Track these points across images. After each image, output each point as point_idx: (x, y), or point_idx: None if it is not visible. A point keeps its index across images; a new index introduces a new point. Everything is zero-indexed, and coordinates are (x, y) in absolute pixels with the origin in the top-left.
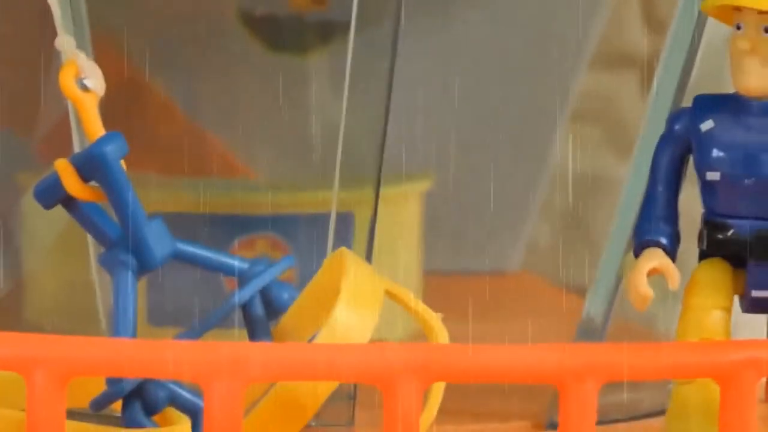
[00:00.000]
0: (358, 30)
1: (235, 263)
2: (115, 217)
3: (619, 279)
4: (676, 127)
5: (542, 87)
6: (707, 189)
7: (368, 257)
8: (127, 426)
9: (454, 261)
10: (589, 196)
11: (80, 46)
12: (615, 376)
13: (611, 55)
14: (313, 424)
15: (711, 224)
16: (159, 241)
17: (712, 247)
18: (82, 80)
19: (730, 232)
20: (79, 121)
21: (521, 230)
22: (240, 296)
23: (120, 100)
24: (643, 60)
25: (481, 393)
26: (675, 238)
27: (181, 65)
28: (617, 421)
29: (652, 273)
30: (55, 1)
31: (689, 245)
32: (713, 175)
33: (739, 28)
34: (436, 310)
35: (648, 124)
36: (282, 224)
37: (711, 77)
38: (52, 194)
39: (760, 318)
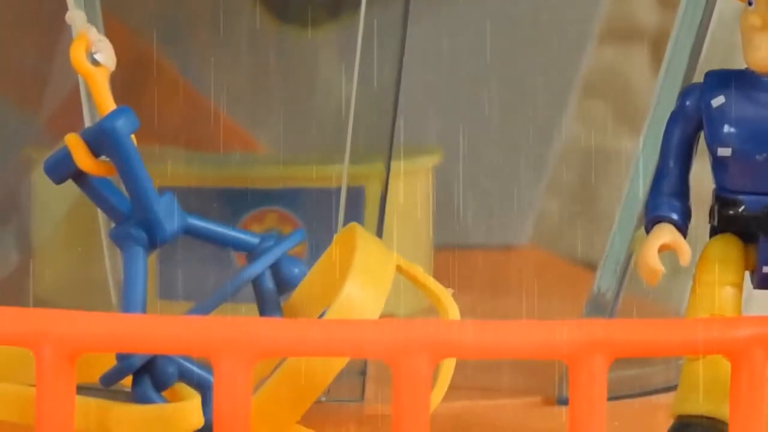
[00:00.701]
0: (369, 4)
1: (246, 238)
2: (125, 192)
3: (629, 254)
4: (687, 102)
5: (552, 62)
6: (718, 165)
7: (379, 232)
8: (137, 401)
9: (463, 235)
10: (599, 172)
11: (91, 20)
12: (625, 353)
13: (621, 30)
14: (324, 399)
15: (722, 200)
16: (169, 216)
17: (724, 223)
18: (93, 54)
19: (741, 208)
20: (89, 96)
21: (530, 205)
22: (250, 271)
23: (130, 74)
24: (653, 35)
25: (491, 369)
26: (686, 214)
27: (192, 40)
28: (627, 396)
29: (663, 249)
30: None
31: (700, 221)
32: (725, 151)
33: (750, 4)
34: (446, 285)
35: (658, 100)
36: (292, 198)
37: (723, 53)
38: (62, 169)
39: None
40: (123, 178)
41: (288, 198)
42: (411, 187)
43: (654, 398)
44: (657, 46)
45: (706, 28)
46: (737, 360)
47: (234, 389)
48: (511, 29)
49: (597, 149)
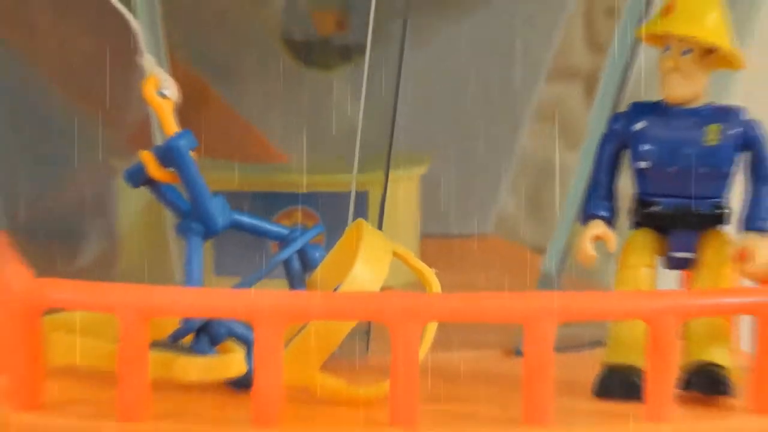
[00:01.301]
0: (373, 49)
1: (278, 230)
2: (186, 195)
3: (570, 243)
4: (615, 126)
5: (511, 92)
6: (639, 175)
7: (379, 226)
8: (196, 354)
9: (443, 227)
10: (547, 178)
11: (159, 62)
12: (568, 318)
13: (564, 69)
14: (337, 352)
15: (643, 202)
16: (220, 213)
17: (644, 220)
18: (161, 90)
19: (658, 208)
20: (158, 121)
21: (493, 202)
22: (282, 255)
23: (189, 103)
24: (589, 74)
25: (465, 328)
26: (614, 213)
27: (237, 76)
28: (568, 349)
29: (595, 239)
30: (140, 28)
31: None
32: (645, 164)
33: (665, 50)
34: (430, 266)
35: (593, 124)
36: (313, 200)
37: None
38: (138, 177)
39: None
40: (184, 184)
41: (310, 200)
42: (404, 191)
43: (587, 352)
44: (591, 82)
45: (630, 68)
46: (652, 323)
47: (270, 345)
48: (480, 68)
49: (546, 161)
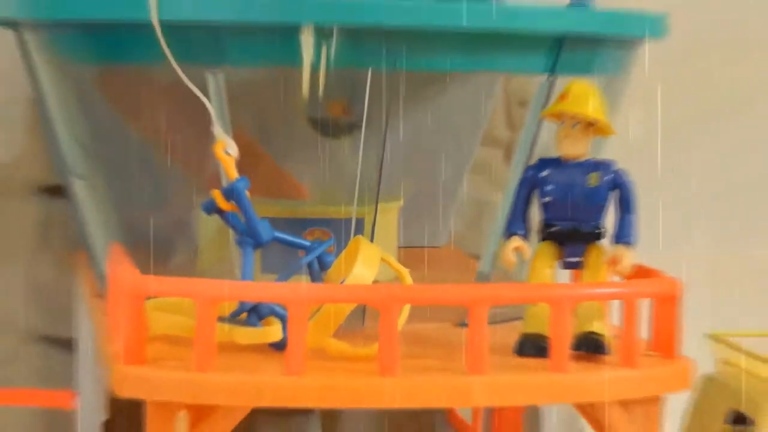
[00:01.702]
0: (367, 126)
1: (304, 242)
2: (242, 219)
3: (497, 252)
4: (528, 174)
5: (458, 152)
6: (544, 207)
7: (371, 240)
8: (248, 325)
9: (414, 241)
10: (483, 208)
11: (225, 131)
12: (496, 302)
13: (491, 137)
14: (343, 325)
15: (546, 224)
16: (265, 231)
17: (547, 236)
18: (227, 150)
19: (557, 228)
20: (224, 171)
21: (448, 224)
22: (306, 259)
23: (245, 158)
24: (509, 141)
25: (428, 308)
26: (528, 232)
27: (277, 140)
28: (498, 323)
29: (515, 250)
30: (212, 109)
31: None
32: (548, 199)
33: (561, 123)
34: (406, 267)
35: (513, 173)
36: (327, 223)
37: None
38: (210, 208)
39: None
40: (241, 212)
41: (325, 223)
42: (387, 217)
43: (509, 324)
44: (510, 147)
45: (536, 137)
46: (554, 305)
47: (297, 320)
48: (442, 136)
49: (482, 198)
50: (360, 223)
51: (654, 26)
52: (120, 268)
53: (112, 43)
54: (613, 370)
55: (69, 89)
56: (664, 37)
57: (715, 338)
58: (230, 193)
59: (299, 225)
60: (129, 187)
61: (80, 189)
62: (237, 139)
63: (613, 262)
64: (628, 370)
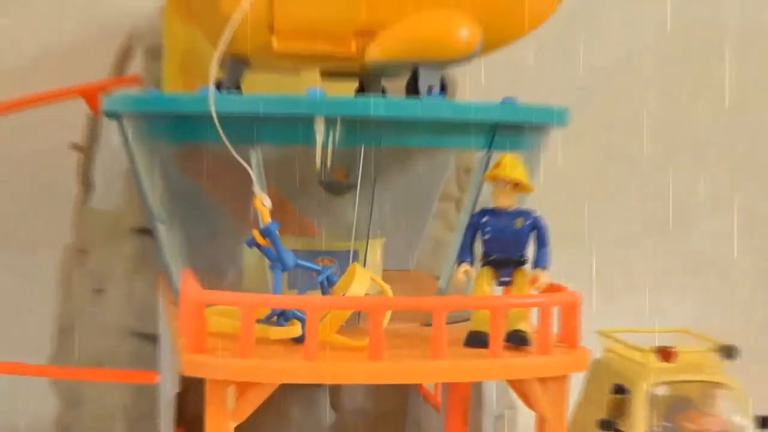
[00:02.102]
0: (361, 188)
1: (316, 267)
2: (274, 251)
3: (452, 274)
4: (473, 220)
5: (422, 205)
6: (485, 242)
7: (364, 265)
8: (278, 325)
9: (390, 265)
10: (442, 243)
11: (261, 189)
12: (451, 308)
13: (446, 194)
14: (344, 325)
15: (486, 255)
16: (290, 259)
17: (486, 263)
18: (263, 202)
19: (494, 257)
20: (261, 217)
21: (415, 252)
22: (318, 279)
23: (276, 208)
24: (458, 197)
25: (403, 313)
26: (473, 260)
27: (298, 196)
28: (452, 323)
29: (464, 272)
30: (253, 173)
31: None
32: (487, 237)
33: (497, 184)
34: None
35: (462, 220)
36: (333, 254)
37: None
38: (251, 243)
39: None
40: (273, 246)
41: (331, 254)
42: (374, 250)
43: (460, 324)
44: (460, 201)
45: (478, 194)
46: (493, 310)
47: (312, 321)
48: (408, 194)
49: (441, 236)
50: (356, 253)
51: (560, 116)
52: (188, 286)
53: (184, 128)
54: (533, 356)
55: (153, 159)
56: (567, 123)
57: (603, 334)
58: (265, 233)
59: (313, 255)
60: (196, 229)
61: (162, 231)
62: (270, 195)
63: (533, 281)
64: (543, 356)
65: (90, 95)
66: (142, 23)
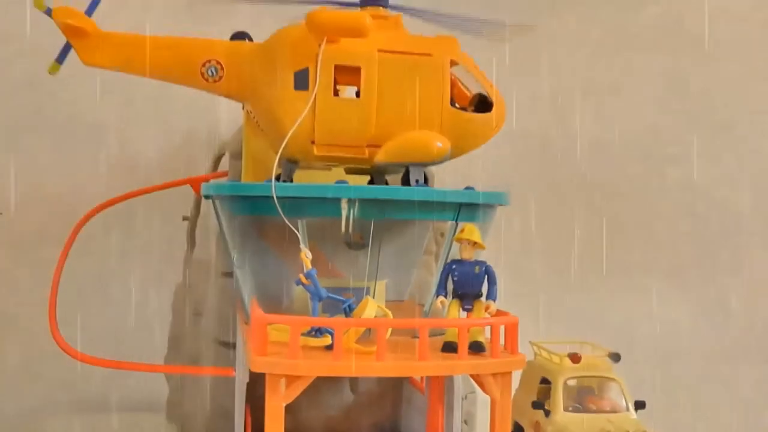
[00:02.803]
0: (371, 246)
1: (342, 298)
2: (313, 287)
3: (432, 304)
4: (447, 267)
5: (411, 257)
6: (455, 282)
7: (373, 297)
8: (316, 337)
9: (390, 297)
10: (426, 281)
11: (305, 245)
12: (433, 326)
13: (428, 250)
14: (360, 338)
15: (455, 291)
16: (323, 293)
17: (455, 296)
18: (307, 255)
19: (460, 292)
20: (305, 264)
21: (407, 287)
22: (343, 306)
23: (315, 259)
24: (436, 251)
25: (399, 331)
26: (447, 294)
27: (330, 251)
28: (434, 336)
29: (440, 302)
30: (299, 235)
31: None
32: (456, 278)
33: (463, 243)
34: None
35: (439, 269)
36: (353, 290)
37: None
38: (298, 282)
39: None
40: (312, 284)
41: (351, 289)
42: (380, 287)
43: (438, 337)
44: (437, 255)
45: (449, 250)
46: (460, 328)
47: (339, 335)
48: (404, 249)
49: (424, 278)
50: (368, 289)
51: (503, 198)
52: (255, 311)
53: (254, 206)
54: (488, 358)
55: (233, 225)
56: (509, 202)
57: (534, 343)
58: (307, 276)
59: (339, 291)
60: (262, 272)
61: (239, 273)
62: (311, 250)
63: (486, 308)
64: (494, 359)
65: (195, 184)
66: (230, 135)
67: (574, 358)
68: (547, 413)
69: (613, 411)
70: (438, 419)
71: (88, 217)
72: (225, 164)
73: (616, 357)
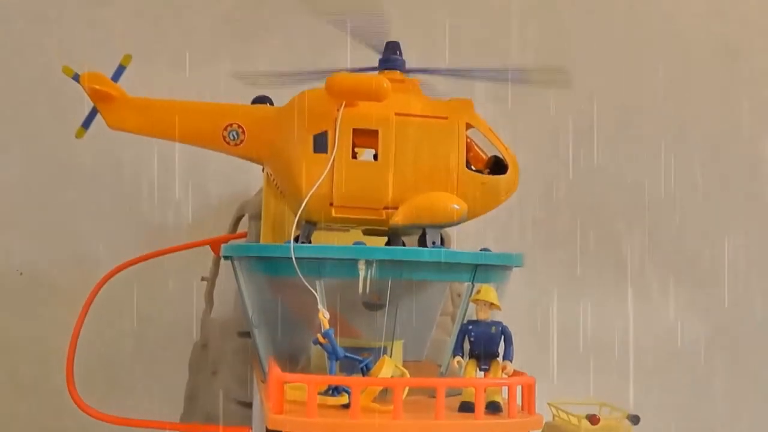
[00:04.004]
0: (389, 306)
1: (359, 358)
2: (330, 347)
3: (449, 363)
4: (463, 327)
5: (429, 317)
6: (471, 342)
7: (390, 357)
8: (334, 396)
9: (408, 356)
10: (443, 341)
11: (323, 306)
12: (450, 386)
13: (445, 311)
14: (377, 397)
15: (471, 351)
16: (341, 352)
17: (472, 355)
18: (324, 314)
19: (477, 352)
20: (322, 324)
21: (424, 349)
22: (360, 366)
23: (333, 320)
24: (453, 312)
25: (416, 389)
26: (464, 354)
27: (348, 312)
28: (450, 395)
29: (457, 362)
30: (318, 295)
31: None
32: (472, 339)
33: (478, 303)
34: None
35: (456, 329)
36: (370, 349)
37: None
38: (316, 341)
39: None
40: (330, 344)
41: (368, 349)
42: (398, 347)
43: (456, 396)
44: (454, 315)
45: (466, 310)
46: (476, 387)
47: (356, 394)
48: (422, 309)
49: (441, 338)
50: (385, 349)
51: (518, 259)
52: (273, 370)
53: (274, 267)
54: (505, 419)
55: (251, 285)
56: (522, 264)
57: (551, 404)
58: (325, 335)
59: (358, 350)
60: (279, 331)
61: (257, 332)
62: (329, 310)
63: (503, 368)
64: (511, 419)
65: (214, 245)
66: (250, 198)
67: (593, 420)
68: None
69: None
70: None
71: (109, 276)
72: (244, 226)
73: (635, 419)
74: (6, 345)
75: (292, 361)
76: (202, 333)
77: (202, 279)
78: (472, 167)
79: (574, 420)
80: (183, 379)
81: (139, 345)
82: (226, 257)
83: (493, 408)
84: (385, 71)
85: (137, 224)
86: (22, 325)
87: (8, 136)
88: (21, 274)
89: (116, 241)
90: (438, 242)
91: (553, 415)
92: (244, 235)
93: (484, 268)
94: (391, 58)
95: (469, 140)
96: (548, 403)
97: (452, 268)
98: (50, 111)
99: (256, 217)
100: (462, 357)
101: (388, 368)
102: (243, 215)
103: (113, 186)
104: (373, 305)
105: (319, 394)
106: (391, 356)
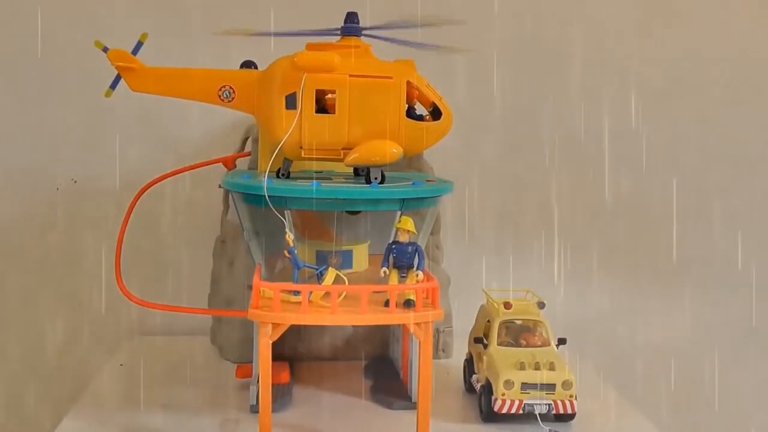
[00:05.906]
0: (356, 219)
1: (314, 266)
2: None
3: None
4: (389, 247)
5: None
6: (394, 257)
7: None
8: (293, 296)
9: (373, 250)
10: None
11: (289, 229)
12: (376, 290)
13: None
14: (321, 299)
15: (394, 263)
16: (300, 262)
17: (395, 267)
18: (289, 234)
19: (398, 264)
20: (287, 241)
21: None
22: (316, 273)
23: (317, 226)
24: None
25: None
26: (389, 266)
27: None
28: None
29: (383, 272)
30: (284, 220)
31: None
32: (395, 254)
33: (399, 230)
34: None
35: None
36: (341, 252)
37: None
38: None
39: None
40: (292, 257)
41: (339, 252)
42: (364, 248)
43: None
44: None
45: (395, 233)
46: (393, 290)
47: (304, 296)
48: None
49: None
50: (351, 252)
51: (447, 188)
52: (256, 278)
53: (255, 198)
54: (415, 311)
55: (242, 210)
56: (451, 192)
57: (485, 291)
58: (290, 252)
59: (328, 253)
60: (264, 245)
61: (249, 244)
62: (315, 219)
63: (416, 276)
64: (419, 311)
65: (227, 162)
66: (254, 122)
67: (507, 305)
68: (486, 346)
69: (542, 346)
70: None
71: (145, 188)
72: (249, 146)
73: (542, 305)
74: (66, 240)
75: (274, 266)
76: (222, 230)
77: (219, 186)
78: (422, 112)
79: (495, 304)
80: (209, 267)
81: (177, 239)
82: (224, 187)
83: (408, 304)
84: (346, 37)
85: (165, 145)
86: (77, 225)
87: (68, 88)
88: (75, 182)
89: (149, 160)
90: (379, 178)
91: (486, 300)
92: (248, 155)
93: (411, 199)
94: (350, 26)
95: (417, 89)
96: (483, 290)
97: (387, 200)
98: (83, 75)
99: (258, 141)
100: (387, 268)
101: (330, 276)
102: (248, 137)
103: (147, 121)
104: (352, 211)
105: (286, 293)
106: (355, 257)
